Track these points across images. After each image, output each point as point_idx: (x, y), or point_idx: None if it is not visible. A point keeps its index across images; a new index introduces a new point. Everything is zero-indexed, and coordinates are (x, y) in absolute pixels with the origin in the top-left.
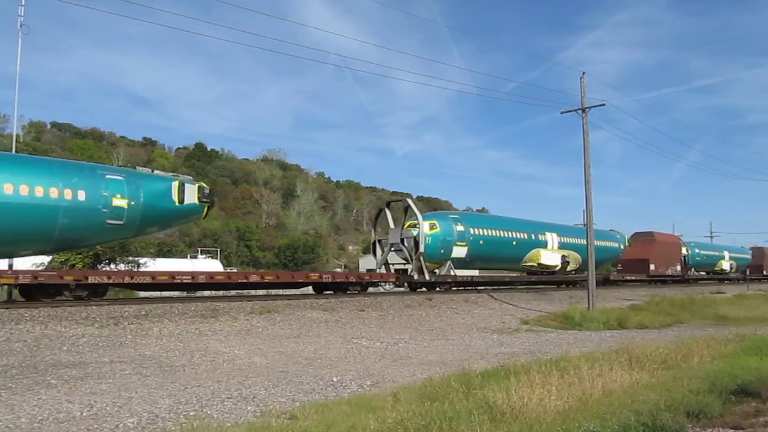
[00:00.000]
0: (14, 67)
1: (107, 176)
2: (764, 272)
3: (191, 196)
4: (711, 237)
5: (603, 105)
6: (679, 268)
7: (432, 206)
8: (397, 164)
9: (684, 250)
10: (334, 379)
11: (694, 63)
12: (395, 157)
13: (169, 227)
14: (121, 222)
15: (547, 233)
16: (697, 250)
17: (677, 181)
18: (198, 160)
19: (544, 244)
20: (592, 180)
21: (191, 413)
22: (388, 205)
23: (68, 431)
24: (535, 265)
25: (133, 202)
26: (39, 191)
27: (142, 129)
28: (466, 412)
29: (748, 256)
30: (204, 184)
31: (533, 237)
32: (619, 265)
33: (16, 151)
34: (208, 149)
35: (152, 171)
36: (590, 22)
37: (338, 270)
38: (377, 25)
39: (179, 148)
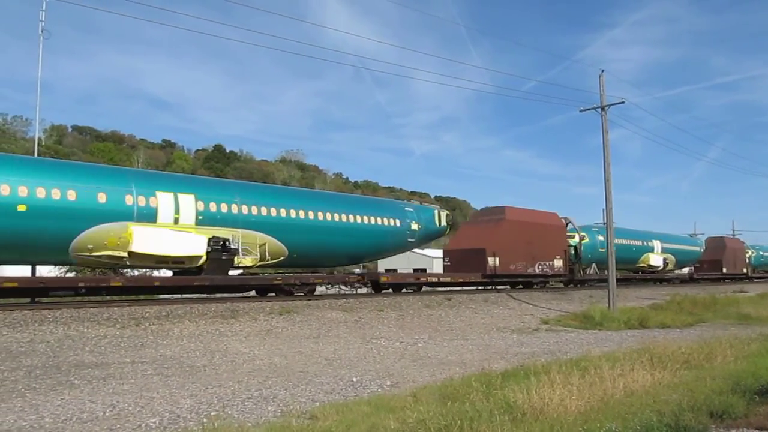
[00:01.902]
0: (36, 71)
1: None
2: (723, 270)
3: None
4: (733, 234)
5: (622, 103)
6: (560, 263)
7: (450, 206)
8: (415, 164)
9: (576, 238)
10: (354, 380)
11: (715, 60)
12: (413, 157)
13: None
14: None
15: (160, 194)
16: (600, 238)
17: (698, 179)
18: (217, 161)
19: (146, 216)
20: (612, 178)
21: (212, 413)
22: None
23: (91, 431)
24: (125, 255)
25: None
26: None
27: (162, 131)
28: (487, 412)
29: (699, 249)
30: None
31: (101, 199)
32: (447, 259)
33: (38, 155)
34: (227, 151)
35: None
36: (610, 20)
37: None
38: (395, 26)
39: (198, 150)
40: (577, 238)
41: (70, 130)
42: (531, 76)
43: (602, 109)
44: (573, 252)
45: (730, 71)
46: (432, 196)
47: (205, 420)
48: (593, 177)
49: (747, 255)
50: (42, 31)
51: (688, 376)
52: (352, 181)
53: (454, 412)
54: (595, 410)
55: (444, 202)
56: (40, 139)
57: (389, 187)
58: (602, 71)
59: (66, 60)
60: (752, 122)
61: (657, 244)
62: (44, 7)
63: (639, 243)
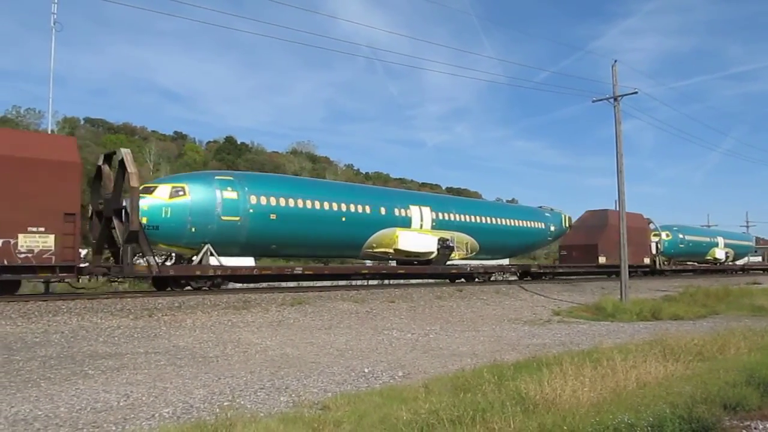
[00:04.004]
0: (49, 63)
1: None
2: (601, 259)
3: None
4: (747, 227)
5: (635, 93)
6: (45, 243)
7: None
8: (427, 155)
9: (151, 196)
10: (366, 370)
11: (730, 49)
12: (425, 149)
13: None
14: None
15: None
16: (230, 195)
17: (712, 170)
18: (228, 153)
19: None
20: (625, 169)
21: (225, 403)
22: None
23: (106, 420)
24: None
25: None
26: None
27: (174, 123)
28: (499, 404)
29: (549, 228)
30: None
31: None
32: None
33: None
34: (239, 142)
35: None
36: (624, 9)
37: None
38: (407, 17)
39: (210, 141)
40: (161, 196)
41: (82, 122)
42: (544, 66)
43: (615, 99)
44: (124, 218)
45: (745, 61)
46: (443, 188)
47: (218, 410)
48: (606, 168)
49: (654, 240)
50: (54, 24)
51: (701, 368)
52: (363, 172)
53: (466, 403)
54: (608, 402)
55: (455, 193)
56: (53, 131)
57: (400, 179)
58: (615, 61)
59: (79, 52)
60: (767, 112)
61: (420, 214)
62: (56, 0)
63: (368, 210)
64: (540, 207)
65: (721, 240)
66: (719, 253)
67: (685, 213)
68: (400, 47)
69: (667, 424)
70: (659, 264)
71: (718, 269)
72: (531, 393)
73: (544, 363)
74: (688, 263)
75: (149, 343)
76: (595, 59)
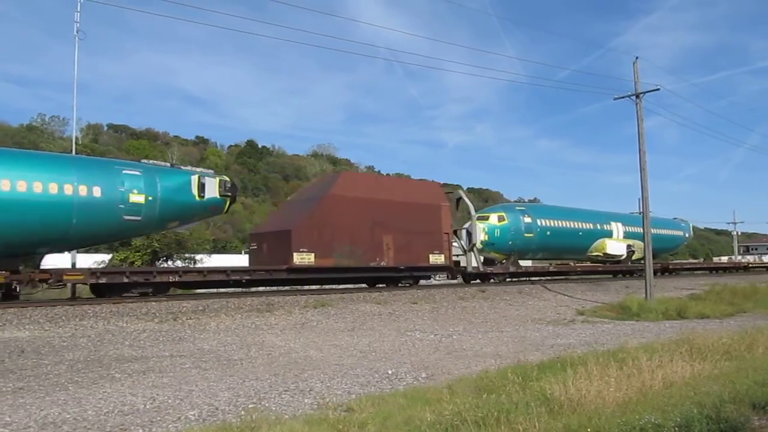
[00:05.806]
0: (73, 71)
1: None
2: (295, 258)
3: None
4: None
5: (657, 90)
6: None
7: (483, 197)
8: (448, 156)
9: None
10: (389, 372)
11: (754, 44)
12: (446, 149)
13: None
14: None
15: None
16: None
17: (737, 166)
18: (249, 157)
19: None
20: (648, 167)
21: (250, 406)
22: None
23: (133, 423)
24: None
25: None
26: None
27: (196, 128)
28: (523, 405)
29: (102, 197)
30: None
31: None
32: None
33: (76, 153)
34: (260, 146)
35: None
36: (645, 6)
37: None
38: (426, 18)
39: (231, 145)
40: None
41: (105, 128)
42: (565, 65)
43: (637, 96)
44: None
45: None
46: (465, 188)
47: (243, 412)
48: (629, 165)
49: (464, 226)
50: (77, 32)
51: (729, 368)
52: (384, 174)
53: (491, 404)
54: (634, 402)
55: (477, 193)
56: (77, 137)
57: (421, 180)
58: (636, 58)
59: (102, 60)
60: None
61: None
62: (78, 8)
63: None
64: (147, 161)
65: (617, 227)
66: (613, 247)
67: (709, 210)
68: (419, 48)
69: (694, 424)
70: (473, 264)
71: (608, 270)
72: (556, 393)
73: (569, 363)
74: (558, 261)
75: (174, 346)
76: (617, 56)
